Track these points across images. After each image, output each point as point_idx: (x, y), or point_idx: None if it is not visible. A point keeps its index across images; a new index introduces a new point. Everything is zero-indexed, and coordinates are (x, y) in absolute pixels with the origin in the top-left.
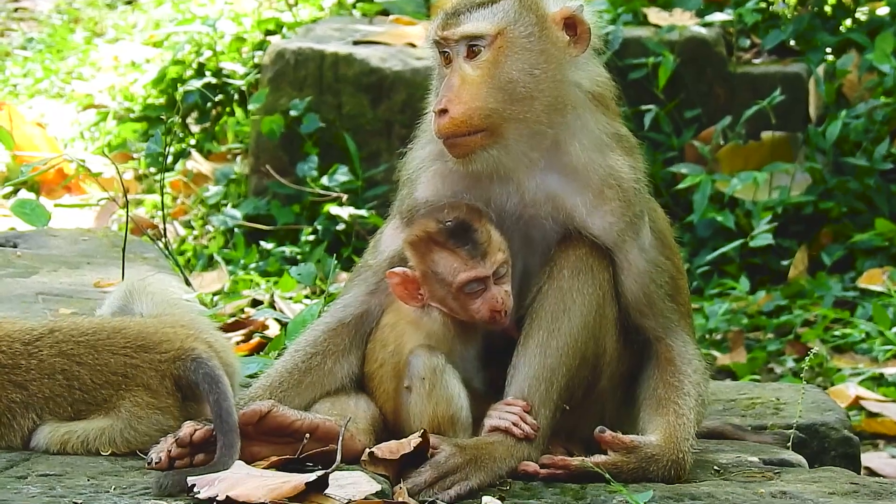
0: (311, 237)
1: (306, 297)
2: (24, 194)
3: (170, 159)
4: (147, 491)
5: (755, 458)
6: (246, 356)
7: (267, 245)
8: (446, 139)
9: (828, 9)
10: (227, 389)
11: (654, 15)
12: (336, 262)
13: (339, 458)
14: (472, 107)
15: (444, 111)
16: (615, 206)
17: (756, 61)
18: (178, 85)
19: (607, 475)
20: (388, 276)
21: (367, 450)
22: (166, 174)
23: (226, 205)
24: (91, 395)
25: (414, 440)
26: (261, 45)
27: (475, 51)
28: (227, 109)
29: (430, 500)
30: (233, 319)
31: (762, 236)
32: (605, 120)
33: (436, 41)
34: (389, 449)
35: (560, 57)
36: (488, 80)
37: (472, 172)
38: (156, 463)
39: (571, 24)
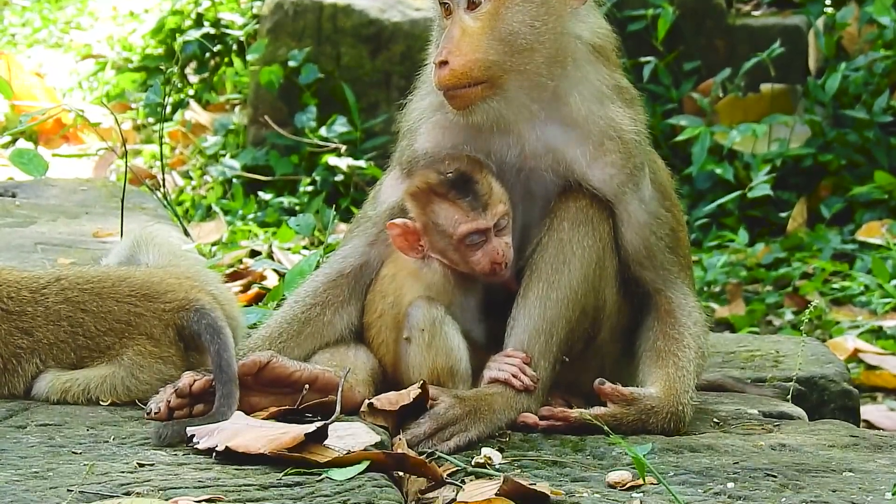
0: (310, 188)
1: (304, 247)
2: (22, 144)
3: (168, 109)
4: (146, 441)
5: (755, 411)
6: (244, 307)
7: (265, 195)
8: (447, 91)
9: None
10: (229, 340)
11: None
12: (334, 212)
13: (338, 409)
14: (473, 58)
15: (444, 63)
16: (615, 158)
17: (755, 13)
18: (177, 35)
19: (606, 428)
20: (389, 227)
21: (366, 401)
22: (165, 124)
23: (224, 155)
24: (94, 341)
25: (413, 391)
26: None
27: (475, 2)
28: (226, 60)
29: (430, 451)
30: (231, 270)
31: (760, 187)
32: (605, 72)
33: None
34: (388, 400)
35: (560, 9)
36: (489, 31)
37: (472, 124)
38: (155, 413)
39: None
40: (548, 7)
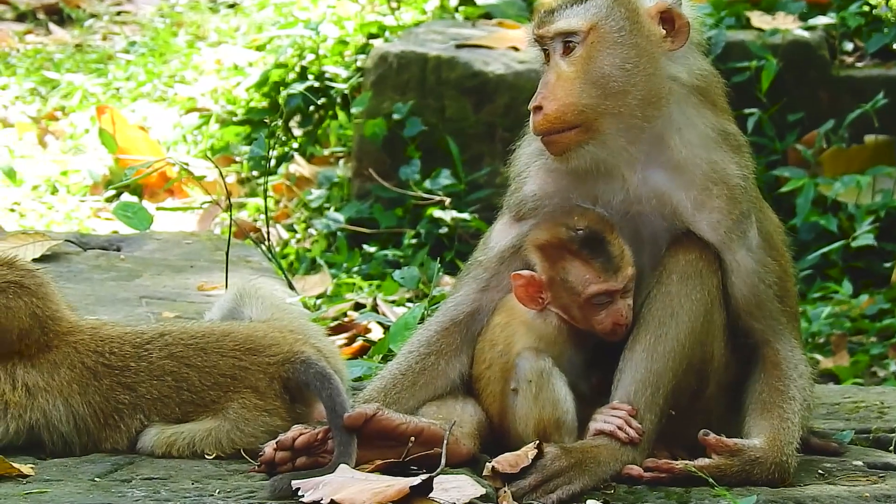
0: (414, 240)
1: (409, 300)
2: (127, 198)
3: (273, 163)
4: (251, 494)
5: (859, 462)
6: (349, 360)
7: (370, 248)
8: (543, 136)
9: None
10: (340, 385)
11: (757, 18)
12: (439, 265)
13: (443, 461)
14: (566, 103)
15: (538, 108)
16: (720, 204)
17: (859, 65)
18: (281, 88)
19: (710, 479)
20: (513, 277)
21: (488, 464)
22: (269, 178)
23: (328, 208)
24: (199, 396)
25: (531, 452)
26: (363, 49)
27: (570, 47)
28: (330, 113)
29: (535, 503)
30: (335, 323)
31: (864, 237)
32: (710, 115)
33: (534, 39)
34: (508, 463)
35: (653, 51)
36: (582, 75)
37: (570, 170)
38: (258, 466)
39: (668, 18)
40: (639, 49)
